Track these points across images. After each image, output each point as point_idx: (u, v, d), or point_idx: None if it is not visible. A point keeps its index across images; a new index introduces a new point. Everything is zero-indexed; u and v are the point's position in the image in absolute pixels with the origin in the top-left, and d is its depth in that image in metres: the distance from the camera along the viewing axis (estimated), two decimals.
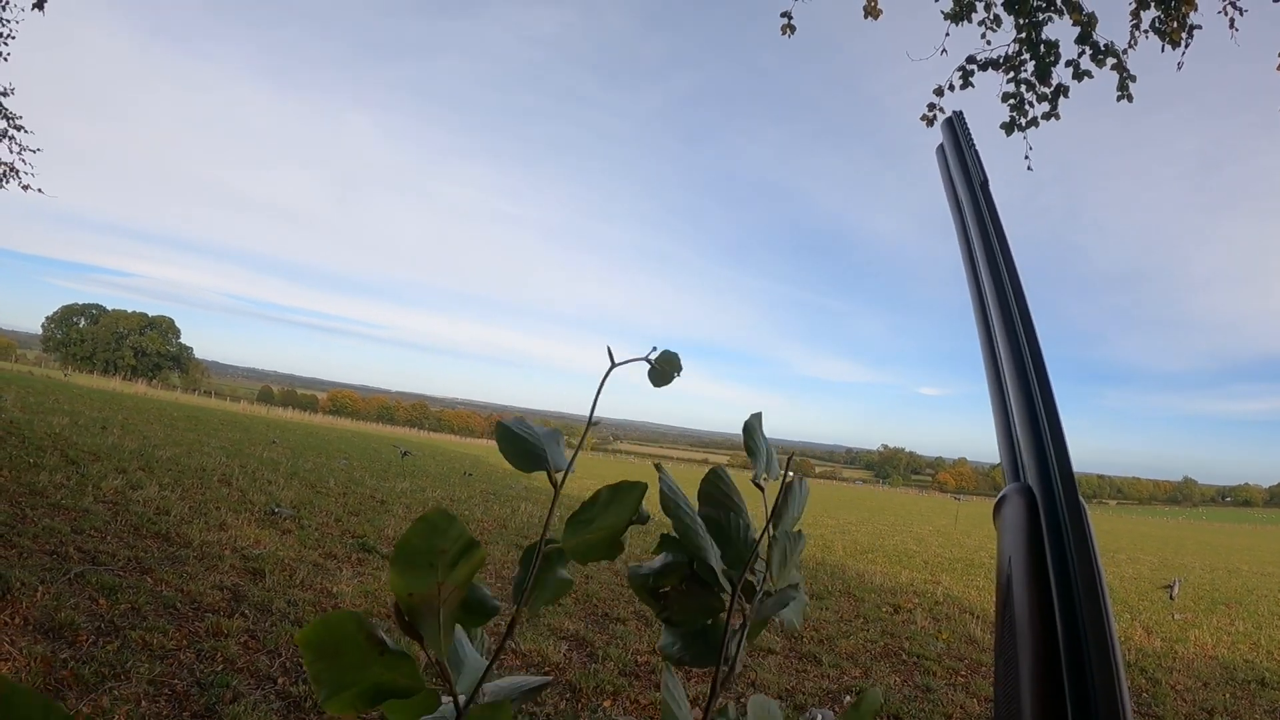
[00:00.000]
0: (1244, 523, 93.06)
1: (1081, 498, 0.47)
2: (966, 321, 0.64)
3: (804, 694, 5.07)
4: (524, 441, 0.56)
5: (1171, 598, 12.16)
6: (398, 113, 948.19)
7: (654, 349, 0.60)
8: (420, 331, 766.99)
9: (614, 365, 0.56)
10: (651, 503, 0.53)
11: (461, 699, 0.49)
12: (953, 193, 0.72)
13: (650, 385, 0.61)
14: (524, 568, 0.52)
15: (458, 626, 0.50)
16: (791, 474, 0.61)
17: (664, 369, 0.59)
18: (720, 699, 0.53)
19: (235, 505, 8.35)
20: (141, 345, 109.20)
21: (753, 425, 0.64)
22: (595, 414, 0.57)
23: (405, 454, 22.46)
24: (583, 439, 0.56)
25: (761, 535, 0.58)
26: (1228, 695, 6.36)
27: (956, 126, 0.75)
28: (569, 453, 0.57)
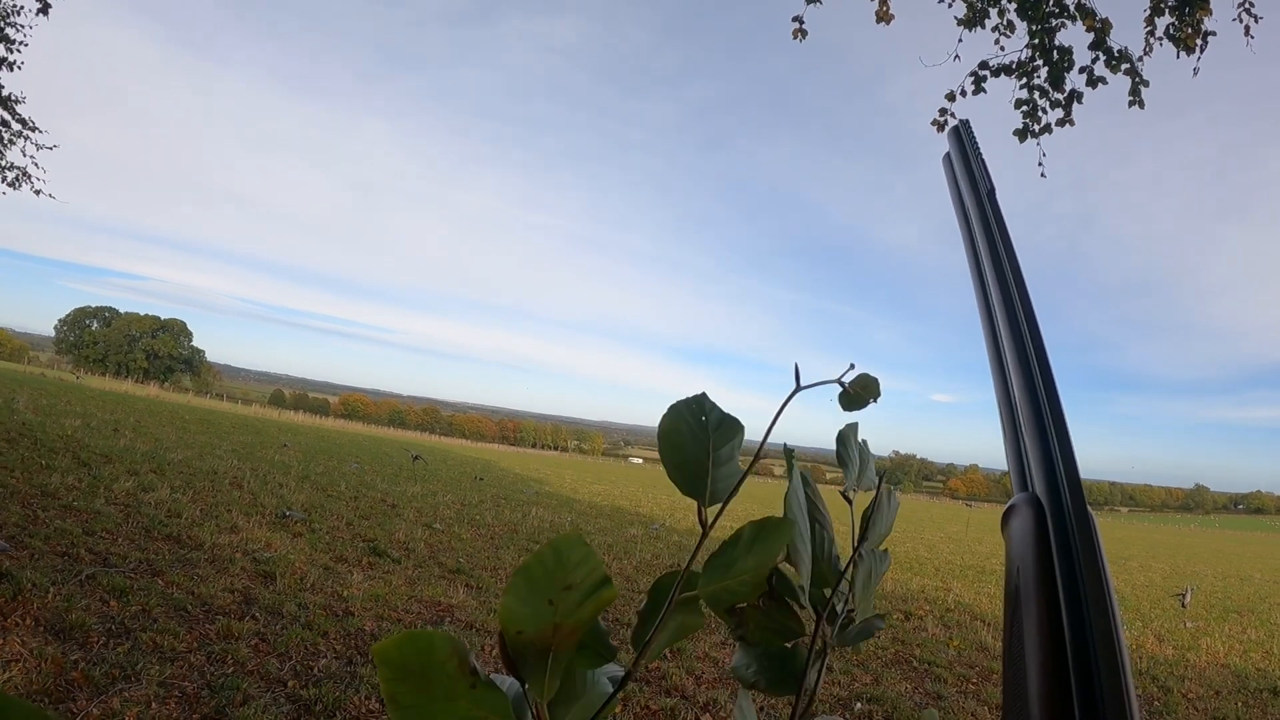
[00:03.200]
0: (1256, 530, 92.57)
1: (1090, 508, 0.47)
2: (979, 328, 0.63)
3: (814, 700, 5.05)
4: (686, 452, 0.47)
5: (1183, 605, 12.09)
6: (415, 120, 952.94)
7: (851, 367, 0.53)
8: (433, 336, 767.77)
9: (800, 388, 0.49)
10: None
11: None
12: (959, 201, 0.72)
13: (840, 408, 0.54)
14: (652, 602, 0.45)
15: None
16: (884, 486, 0.57)
17: (859, 393, 0.53)
18: None
19: (246, 508, 8.38)
20: (154, 348, 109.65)
21: (847, 434, 0.61)
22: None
23: (416, 458, 22.51)
24: (750, 466, 0.48)
25: (853, 558, 0.54)
26: (1239, 704, 6.32)
27: (963, 135, 0.75)
28: (744, 459, 0.49)
